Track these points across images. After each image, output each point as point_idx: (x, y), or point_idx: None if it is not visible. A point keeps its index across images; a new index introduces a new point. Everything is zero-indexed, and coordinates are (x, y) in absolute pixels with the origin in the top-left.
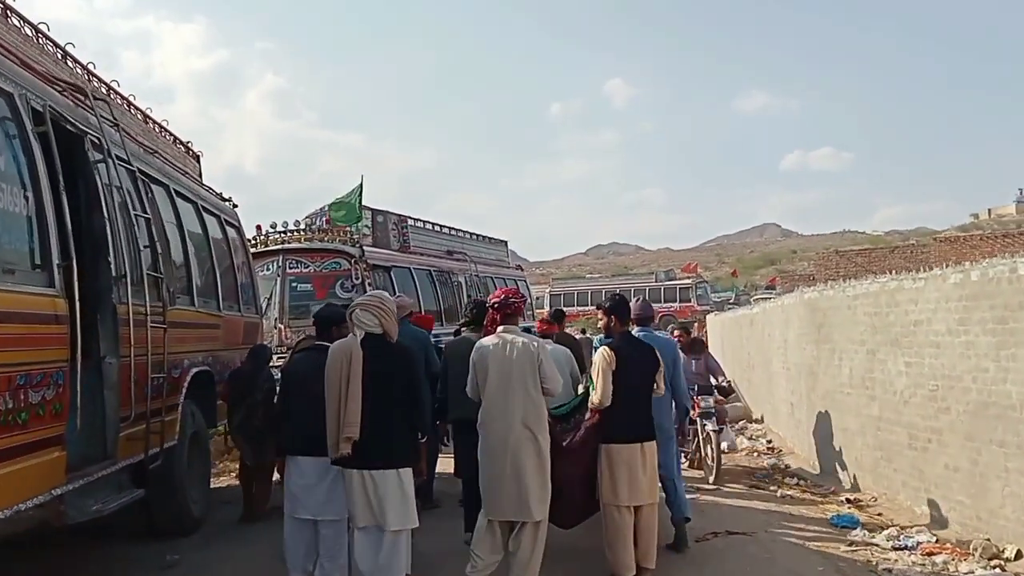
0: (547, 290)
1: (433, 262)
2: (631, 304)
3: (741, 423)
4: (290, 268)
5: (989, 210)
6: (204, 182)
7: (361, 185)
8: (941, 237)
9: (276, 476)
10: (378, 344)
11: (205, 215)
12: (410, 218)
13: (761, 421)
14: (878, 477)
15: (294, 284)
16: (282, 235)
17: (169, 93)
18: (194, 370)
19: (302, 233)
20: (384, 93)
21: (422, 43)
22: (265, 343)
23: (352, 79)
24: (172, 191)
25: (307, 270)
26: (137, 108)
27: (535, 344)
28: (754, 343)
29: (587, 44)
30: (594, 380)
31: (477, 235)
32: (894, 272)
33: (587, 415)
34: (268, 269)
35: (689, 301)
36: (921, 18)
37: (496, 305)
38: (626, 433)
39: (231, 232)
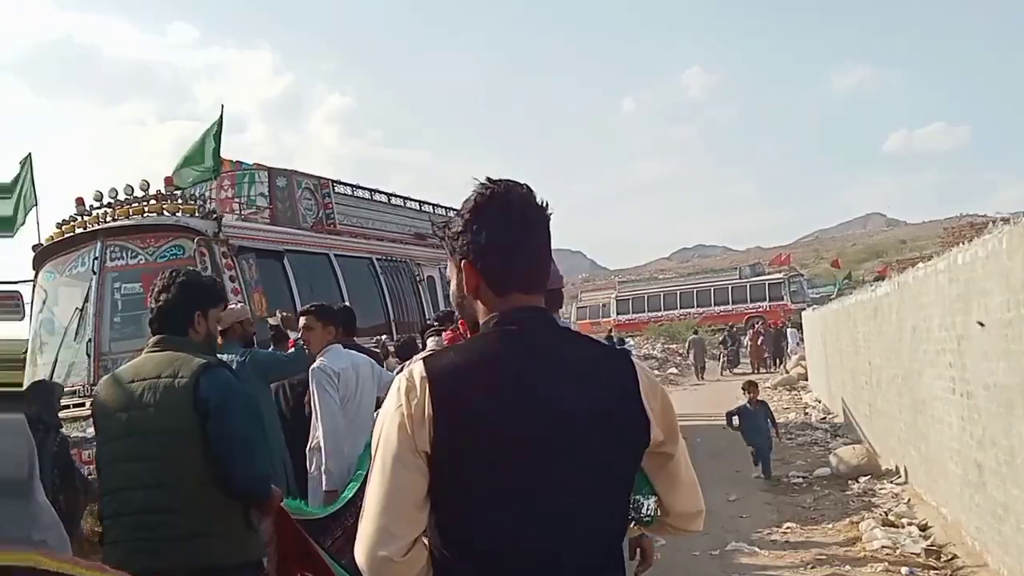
0: (613, 295)
1: (378, 248)
2: None
3: (864, 480)
4: (112, 260)
5: None
6: None
7: (221, 120)
8: None
9: None
10: None
11: None
12: (339, 183)
13: (897, 475)
14: None
15: (117, 285)
16: (106, 211)
17: (240, 122)
18: None
19: (129, 206)
20: (448, 103)
21: (486, 47)
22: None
23: (415, 93)
24: None
25: (135, 261)
26: None
27: None
28: (880, 345)
29: (659, 31)
30: None
31: None
32: None
33: None
34: (82, 264)
35: (781, 299)
36: None
37: None
38: None
39: None
